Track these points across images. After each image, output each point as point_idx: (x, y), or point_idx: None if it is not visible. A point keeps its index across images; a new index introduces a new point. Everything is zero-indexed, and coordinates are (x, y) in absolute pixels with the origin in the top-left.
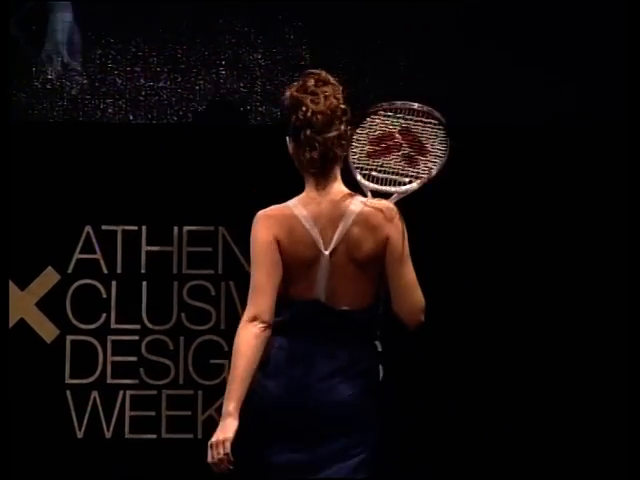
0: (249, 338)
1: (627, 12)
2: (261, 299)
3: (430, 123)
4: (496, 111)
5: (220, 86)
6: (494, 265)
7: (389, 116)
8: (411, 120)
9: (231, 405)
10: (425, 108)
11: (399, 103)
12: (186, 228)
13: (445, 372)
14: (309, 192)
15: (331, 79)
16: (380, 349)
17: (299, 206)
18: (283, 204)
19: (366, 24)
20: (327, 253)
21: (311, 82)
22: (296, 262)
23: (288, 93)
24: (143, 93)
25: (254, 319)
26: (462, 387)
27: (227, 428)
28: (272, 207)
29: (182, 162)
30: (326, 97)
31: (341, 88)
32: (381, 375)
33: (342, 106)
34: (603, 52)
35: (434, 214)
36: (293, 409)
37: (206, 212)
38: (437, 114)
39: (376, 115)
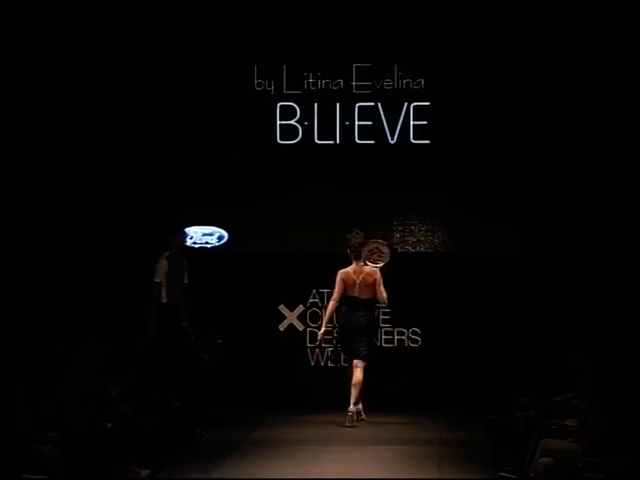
0: (331, 306)
1: None
2: (337, 295)
3: (384, 246)
4: None
5: None
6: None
7: (372, 243)
8: (377, 244)
9: (323, 326)
10: (381, 241)
11: (380, 241)
12: None
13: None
14: (354, 265)
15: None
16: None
17: (349, 269)
18: (347, 268)
19: None
20: (358, 282)
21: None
22: (350, 284)
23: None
24: None
25: (334, 300)
26: None
27: (322, 332)
28: (343, 270)
29: None
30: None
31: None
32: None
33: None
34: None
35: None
36: (348, 327)
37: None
38: (384, 242)
39: (370, 244)
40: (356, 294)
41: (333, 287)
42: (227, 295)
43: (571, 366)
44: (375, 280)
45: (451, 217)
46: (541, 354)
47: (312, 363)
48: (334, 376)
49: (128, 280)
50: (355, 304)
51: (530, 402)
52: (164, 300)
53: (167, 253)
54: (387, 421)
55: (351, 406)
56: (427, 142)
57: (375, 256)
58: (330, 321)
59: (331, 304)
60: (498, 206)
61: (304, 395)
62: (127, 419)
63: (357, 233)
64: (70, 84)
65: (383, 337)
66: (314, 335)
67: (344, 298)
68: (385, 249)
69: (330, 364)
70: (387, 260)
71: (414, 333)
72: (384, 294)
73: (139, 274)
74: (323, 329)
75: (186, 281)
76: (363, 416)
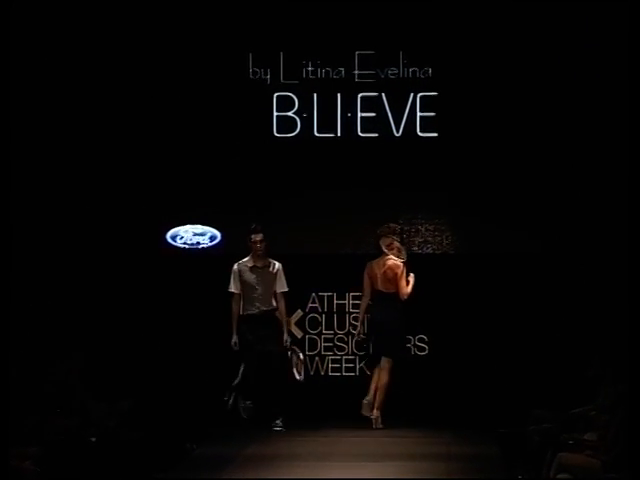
0: (362, 304)
1: None
2: (366, 291)
3: (396, 241)
4: None
5: None
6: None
7: (387, 238)
8: (392, 238)
9: (359, 326)
10: (395, 237)
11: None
12: None
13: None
14: (381, 257)
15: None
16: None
17: (374, 261)
18: (374, 260)
19: None
20: (379, 275)
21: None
22: (374, 277)
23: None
24: None
25: (364, 296)
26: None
27: (357, 331)
28: (370, 261)
29: None
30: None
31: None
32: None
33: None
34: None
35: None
36: (377, 323)
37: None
38: (395, 238)
39: (385, 239)
40: (379, 287)
41: (334, 290)
42: (220, 299)
43: (589, 375)
44: (396, 274)
45: (460, 216)
46: (557, 363)
47: (311, 372)
48: (335, 387)
49: (114, 286)
50: (379, 298)
51: (545, 414)
52: (241, 312)
53: (246, 259)
54: (391, 435)
55: (374, 410)
56: (434, 135)
57: (395, 250)
58: (364, 321)
59: (362, 302)
60: (510, 204)
61: (303, 407)
62: (112, 433)
63: (387, 226)
64: (67, 83)
65: None
66: (314, 342)
67: (371, 292)
68: (399, 244)
69: (334, 373)
70: (405, 255)
71: (421, 341)
72: (405, 289)
73: (127, 279)
74: (359, 328)
75: (284, 289)
76: (380, 425)
